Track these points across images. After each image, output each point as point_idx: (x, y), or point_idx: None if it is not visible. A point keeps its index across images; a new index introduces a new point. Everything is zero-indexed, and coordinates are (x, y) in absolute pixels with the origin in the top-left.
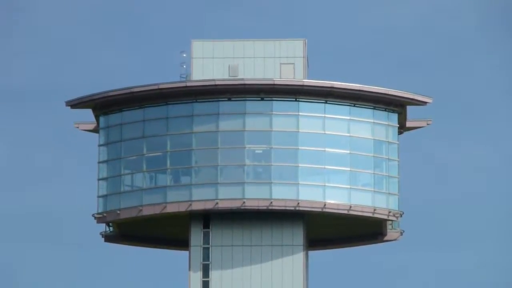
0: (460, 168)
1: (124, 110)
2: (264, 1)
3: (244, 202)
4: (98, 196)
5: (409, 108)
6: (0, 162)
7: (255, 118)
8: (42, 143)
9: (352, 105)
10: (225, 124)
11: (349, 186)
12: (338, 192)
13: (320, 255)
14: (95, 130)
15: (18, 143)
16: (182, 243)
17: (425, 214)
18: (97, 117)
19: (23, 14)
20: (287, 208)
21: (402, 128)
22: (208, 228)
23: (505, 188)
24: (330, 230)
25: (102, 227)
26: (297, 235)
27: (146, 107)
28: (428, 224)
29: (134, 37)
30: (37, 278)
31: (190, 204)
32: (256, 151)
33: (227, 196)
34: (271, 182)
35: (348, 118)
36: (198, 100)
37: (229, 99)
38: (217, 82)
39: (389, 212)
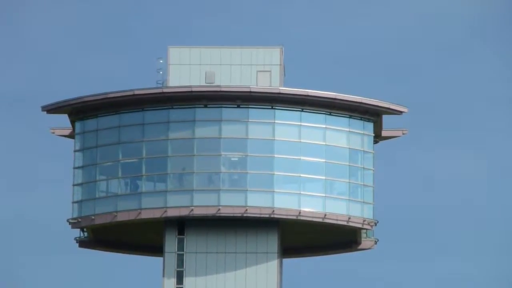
0: (435, 177)
1: (100, 116)
2: (241, 9)
3: (219, 209)
4: (73, 202)
5: (384, 118)
6: None
7: (231, 126)
8: (17, 148)
9: (328, 113)
10: (201, 131)
11: (324, 195)
12: (313, 200)
13: (294, 263)
14: (71, 136)
15: None
16: (156, 249)
17: (400, 223)
18: (73, 123)
19: None
20: (262, 215)
21: (378, 137)
22: (183, 234)
23: (481, 197)
24: (305, 238)
25: (77, 232)
26: (272, 242)
27: (122, 113)
28: (402, 233)
29: (111, 43)
30: (11, 283)
31: (165, 211)
32: (232, 159)
33: (202, 203)
34: (247, 190)
35: (324, 126)
36: (174, 107)
37: (205, 106)
38: (194, 89)
39: (364, 220)
